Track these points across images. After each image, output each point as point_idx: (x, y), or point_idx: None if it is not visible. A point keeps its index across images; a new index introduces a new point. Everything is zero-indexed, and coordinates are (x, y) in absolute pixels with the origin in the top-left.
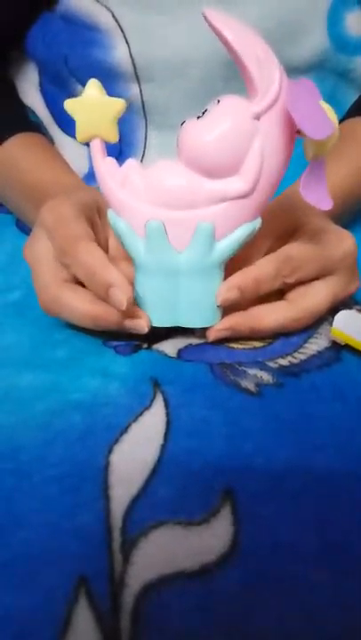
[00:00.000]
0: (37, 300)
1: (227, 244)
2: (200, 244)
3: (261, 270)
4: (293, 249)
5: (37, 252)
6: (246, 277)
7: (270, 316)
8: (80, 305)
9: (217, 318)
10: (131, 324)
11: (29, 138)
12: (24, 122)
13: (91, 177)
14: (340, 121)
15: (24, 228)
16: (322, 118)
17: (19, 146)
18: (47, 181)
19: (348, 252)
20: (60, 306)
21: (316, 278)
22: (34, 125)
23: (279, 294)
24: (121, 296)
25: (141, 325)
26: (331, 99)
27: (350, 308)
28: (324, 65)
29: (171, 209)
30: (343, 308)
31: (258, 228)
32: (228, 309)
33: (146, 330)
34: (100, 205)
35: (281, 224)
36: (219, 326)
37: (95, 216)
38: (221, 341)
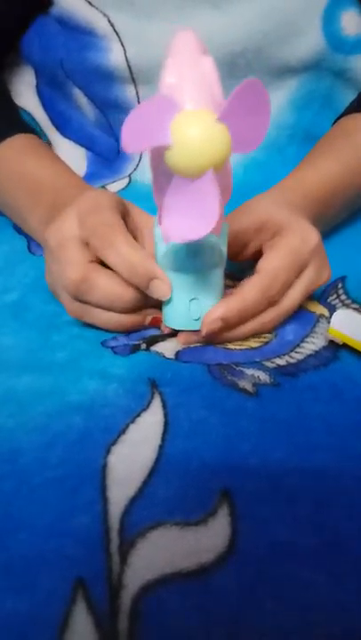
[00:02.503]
0: (62, 279)
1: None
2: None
3: (245, 299)
4: (273, 263)
5: (64, 231)
6: (231, 308)
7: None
8: (112, 287)
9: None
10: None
11: (31, 139)
12: (23, 124)
13: (89, 178)
14: (338, 118)
15: (21, 230)
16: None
17: (23, 145)
18: (53, 180)
19: (315, 245)
20: (91, 286)
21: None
22: (31, 128)
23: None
24: (164, 287)
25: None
26: (328, 98)
27: (348, 307)
28: (321, 65)
29: None
30: (341, 307)
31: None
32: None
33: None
34: (126, 206)
35: (245, 220)
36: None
37: (125, 212)
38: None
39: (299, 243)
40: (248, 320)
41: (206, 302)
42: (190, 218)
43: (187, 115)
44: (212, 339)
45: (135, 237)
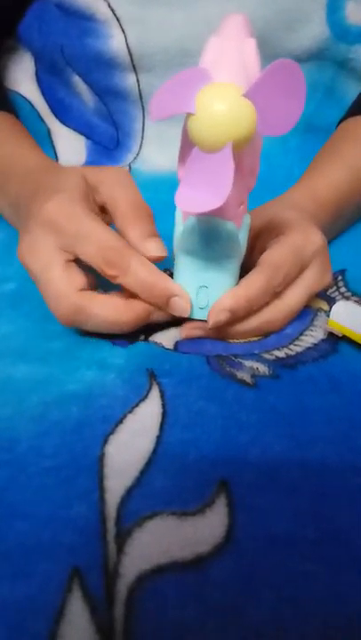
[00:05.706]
0: (53, 311)
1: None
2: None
3: (251, 288)
4: (275, 256)
5: (44, 256)
6: (238, 299)
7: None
8: (109, 313)
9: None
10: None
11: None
12: None
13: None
14: (342, 119)
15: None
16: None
17: None
18: (12, 158)
19: (319, 247)
20: (87, 316)
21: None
22: (9, 105)
23: None
24: (184, 304)
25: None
26: (330, 89)
27: (348, 299)
28: (324, 54)
29: None
30: (341, 299)
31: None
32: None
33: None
34: (89, 180)
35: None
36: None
37: (88, 188)
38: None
39: (302, 241)
40: (254, 314)
41: (215, 292)
42: (203, 191)
43: (213, 86)
44: (217, 333)
45: (99, 202)
